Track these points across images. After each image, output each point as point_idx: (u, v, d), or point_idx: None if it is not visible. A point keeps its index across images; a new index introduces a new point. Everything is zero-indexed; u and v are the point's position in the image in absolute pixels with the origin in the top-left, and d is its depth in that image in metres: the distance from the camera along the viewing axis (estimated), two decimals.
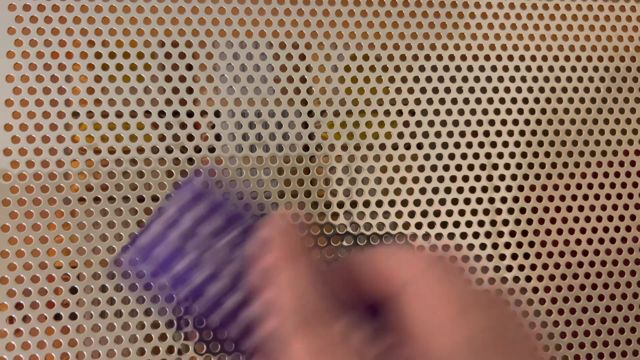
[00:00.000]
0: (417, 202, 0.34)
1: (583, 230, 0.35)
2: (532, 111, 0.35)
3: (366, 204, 0.33)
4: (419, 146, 0.34)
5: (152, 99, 0.32)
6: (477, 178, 0.34)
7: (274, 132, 0.33)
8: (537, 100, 0.35)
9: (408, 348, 0.19)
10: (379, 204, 0.33)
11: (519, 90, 0.35)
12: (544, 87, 0.36)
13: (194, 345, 0.31)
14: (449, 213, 0.34)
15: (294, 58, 0.33)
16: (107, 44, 0.32)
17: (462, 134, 0.35)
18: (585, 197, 0.35)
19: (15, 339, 0.30)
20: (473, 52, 0.35)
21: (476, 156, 0.35)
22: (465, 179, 0.34)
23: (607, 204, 0.36)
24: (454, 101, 0.35)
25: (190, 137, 0.32)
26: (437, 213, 0.34)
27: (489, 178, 0.35)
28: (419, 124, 0.34)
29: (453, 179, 0.34)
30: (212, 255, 0.21)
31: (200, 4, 0.33)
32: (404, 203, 0.34)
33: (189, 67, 0.32)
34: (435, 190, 0.34)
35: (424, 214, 0.34)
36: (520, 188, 0.35)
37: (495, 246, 0.34)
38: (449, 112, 0.35)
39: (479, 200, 0.34)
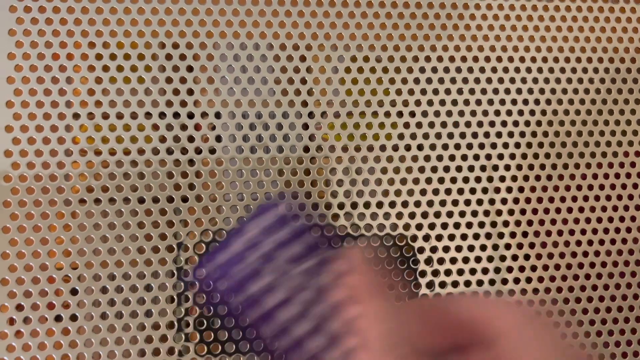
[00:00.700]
0: (417, 204, 0.34)
1: (583, 232, 0.35)
2: (532, 112, 0.35)
3: (367, 205, 0.33)
4: (420, 147, 0.34)
5: (153, 100, 0.32)
6: (478, 179, 0.35)
7: (275, 133, 0.33)
8: (537, 102, 0.36)
9: None
10: (380, 205, 0.33)
11: (519, 91, 0.35)
12: (544, 88, 0.36)
13: (194, 346, 0.31)
14: (450, 214, 0.34)
15: (295, 59, 0.33)
16: (108, 45, 0.32)
17: (463, 135, 0.35)
18: (586, 199, 0.35)
19: (16, 340, 0.30)
20: (473, 53, 0.35)
21: (476, 157, 0.35)
22: (466, 180, 0.34)
23: (607, 205, 0.36)
24: (454, 102, 0.35)
25: (191, 139, 0.32)
26: (437, 214, 0.34)
27: (490, 179, 0.35)
28: (419, 125, 0.34)
29: (453, 180, 0.34)
30: (288, 280, 0.20)
31: (201, 6, 0.33)
32: (405, 204, 0.34)
33: (190, 69, 0.32)
34: (436, 192, 0.34)
35: (425, 215, 0.34)
36: (521, 189, 0.35)
37: (495, 247, 0.34)
38: (449, 113, 0.35)
39: (480, 202, 0.34)
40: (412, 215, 0.34)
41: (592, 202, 0.36)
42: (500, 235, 0.35)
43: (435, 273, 0.34)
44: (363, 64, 0.34)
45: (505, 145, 0.35)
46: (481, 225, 0.34)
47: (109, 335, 0.31)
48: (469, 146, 0.35)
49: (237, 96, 0.33)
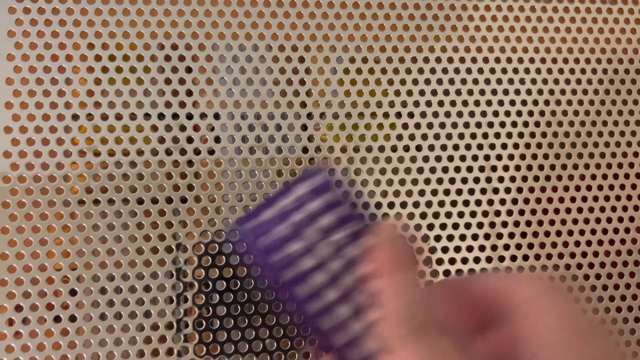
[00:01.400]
0: (416, 204, 0.34)
1: (582, 232, 0.35)
2: (530, 113, 0.35)
3: (365, 205, 0.33)
4: (418, 148, 0.34)
5: (152, 101, 0.32)
6: (476, 180, 0.35)
7: (273, 134, 0.33)
8: (535, 103, 0.36)
9: None
10: (378, 205, 0.34)
11: (517, 92, 0.35)
12: (542, 89, 0.36)
13: (193, 347, 0.31)
14: (448, 215, 0.34)
15: (293, 60, 0.34)
16: (106, 46, 0.32)
17: (461, 136, 0.35)
18: (584, 199, 0.35)
19: (15, 341, 0.30)
20: (471, 54, 0.35)
21: (475, 158, 0.35)
22: (464, 180, 0.34)
23: (605, 206, 0.36)
24: (453, 103, 0.35)
25: (189, 140, 0.32)
26: (436, 215, 0.34)
27: (488, 180, 0.35)
28: (417, 126, 0.34)
29: (452, 180, 0.34)
30: (323, 247, 0.21)
31: (200, 7, 0.33)
32: (403, 205, 0.34)
33: (189, 70, 0.33)
34: (434, 192, 0.34)
35: (423, 215, 0.34)
36: (519, 190, 0.35)
37: (494, 248, 0.34)
38: (447, 114, 0.35)
39: (478, 202, 0.35)
40: (410, 216, 0.34)
41: (590, 202, 0.36)
42: (499, 236, 0.35)
43: (434, 274, 0.34)
44: (362, 65, 0.34)
45: (504, 146, 0.35)
46: (480, 226, 0.34)
47: (107, 336, 0.31)
48: (467, 147, 0.35)
49: (236, 97, 0.33)
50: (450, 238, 0.34)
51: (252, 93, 0.33)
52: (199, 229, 0.32)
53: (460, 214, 0.34)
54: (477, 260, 0.34)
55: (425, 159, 0.34)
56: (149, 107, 0.32)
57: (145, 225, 0.31)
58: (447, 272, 0.34)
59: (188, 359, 0.31)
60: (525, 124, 0.35)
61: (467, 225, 0.34)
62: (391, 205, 0.34)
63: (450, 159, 0.34)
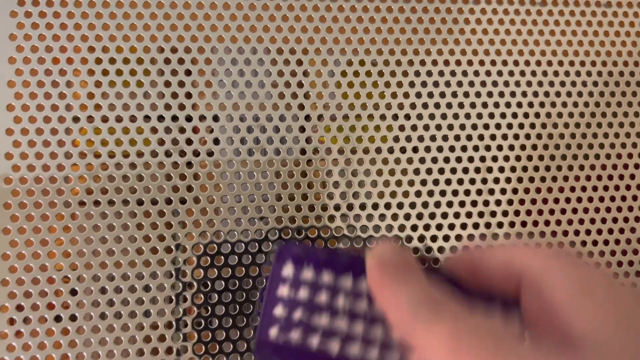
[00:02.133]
0: (412, 205, 0.34)
1: (577, 233, 0.36)
2: (526, 115, 0.36)
3: (362, 207, 0.34)
4: (415, 150, 0.35)
5: (152, 103, 0.32)
6: (472, 181, 0.35)
7: (272, 136, 0.33)
8: (531, 105, 0.36)
9: (548, 332, 0.19)
10: (375, 206, 0.34)
11: (513, 94, 0.36)
12: (537, 91, 0.36)
13: (192, 346, 0.32)
14: (444, 215, 0.34)
15: (292, 63, 0.34)
16: (107, 49, 0.32)
17: (457, 138, 0.35)
18: (579, 200, 0.36)
19: (16, 340, 0.30)
20: (468, 57, 0.36)
21: (471, 159, 0.35)
22: (460, 182, 0.35)
23: (600, 207, 0.36)
24: (449, 105, 0.35)
25: (189, 141, 0.33)
26: (432, 215, 0.34)
27: (484, 181, 0.35)
28: (414, 127, 0.35)
29: (448, 182, 0.35)
30: (342, 318, 0.20)
31: (199, 11, 0.33)
32: (400, 206, 0.34)
33: (188, 73, 0.33)
34: (431, 193, 0.34)
35: (420, 216, 0.34)
36: (515, 191, 0.35)
37: None
38: (444, 116, 0.35)
39: (474, 203, 0.35)
40: (407, 217, 0.34)
41: (585, 203, 0.36)
42: (495, 236, 0.35)
43: None
44: (359, 68, 0.35)
45: (499, 148, 0.35)
46: (475, 226, 0.35)
47: (107, 335, 0.31)
48: (464, 148, 0.35)
49: (235, 99, 0.33)
50: (446, 238, 0.34)
51: (250, 95, 0.33)
52: (197, 229, 0.32)
53: (456, 215, 0.35)
54: None
55: (422, 160, 0.35)
56: (149, 109, 0.32)
57: (145, 226, 0.32)
58: None
59: (187, 358, 0.32)
60: (521, 126, 0.36)
61: (463, 226, 0.35)
62: (388, 206, 0.34)
63: (447, 160, 0.35)
